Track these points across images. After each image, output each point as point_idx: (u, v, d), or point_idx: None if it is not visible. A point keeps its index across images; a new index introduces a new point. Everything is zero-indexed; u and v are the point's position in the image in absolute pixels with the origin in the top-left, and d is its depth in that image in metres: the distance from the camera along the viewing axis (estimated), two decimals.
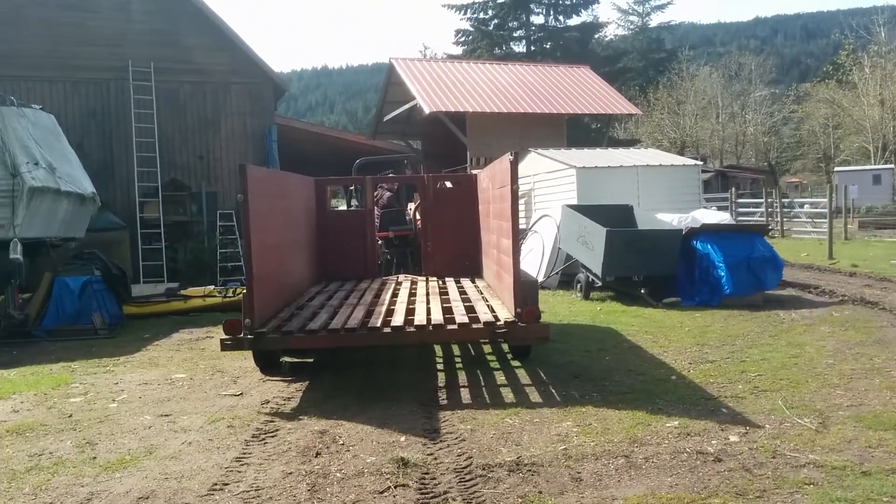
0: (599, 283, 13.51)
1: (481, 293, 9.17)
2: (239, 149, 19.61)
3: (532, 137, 24.11)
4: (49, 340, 11.36)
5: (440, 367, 8.80)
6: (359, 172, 14.79)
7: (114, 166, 18.45)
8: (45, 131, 13.04)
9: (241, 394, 7.69)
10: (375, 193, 13.19)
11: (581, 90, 28.36)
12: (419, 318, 7.58)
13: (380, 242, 13.14)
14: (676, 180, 16.66)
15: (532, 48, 51.68)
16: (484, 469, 5.26)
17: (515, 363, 8.63)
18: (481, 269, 10.77)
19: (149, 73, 18.40)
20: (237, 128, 19.73)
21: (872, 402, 6.65)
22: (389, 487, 4.98)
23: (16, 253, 11.39)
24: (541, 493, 4.83)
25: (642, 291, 13.02)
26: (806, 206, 32.47)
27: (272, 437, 6.17)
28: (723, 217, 15.37)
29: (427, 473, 5.22)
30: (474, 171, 16.89)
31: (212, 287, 14.91)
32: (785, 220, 30.00)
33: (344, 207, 19.11)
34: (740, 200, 32.67)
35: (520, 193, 12.77)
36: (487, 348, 9.51)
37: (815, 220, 29.08)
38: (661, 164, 16.89)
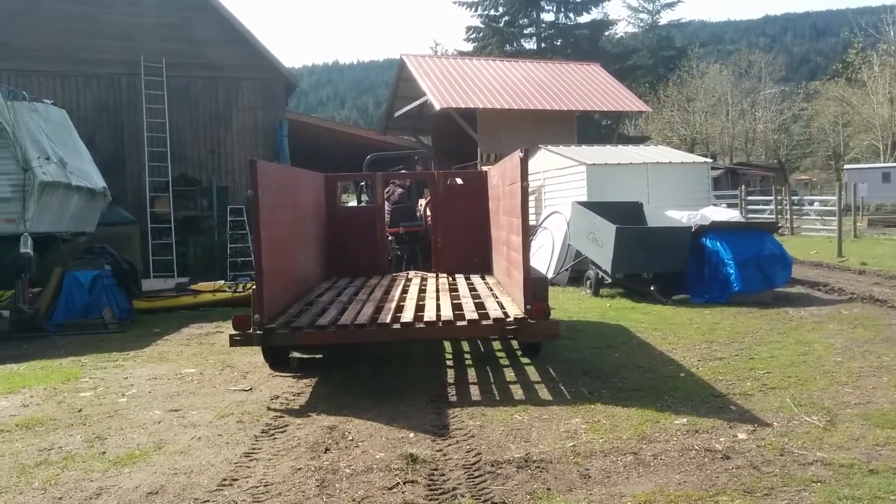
0: (609, 280, 13.50)
1: (491, 290, 9.16)
2: (250, 144, 19.66)
3: (542, 134, 24.07)
4: (59, 335, 11.41)
5: (449, 363, 8.82)
6: (370, 168, 14.80)
7: (125, 161, 18.51)
8: (57, 126, 13.09)
9: (251, 389, 7.72)
10: (387, 189, 13.20)
11: (591, 87, 28.30)
12: (429, 315, 7.57)
13: (390, 238, 13.14)
14: (686, 177, 16.64)
15: (542, 45, 51.65)
16: (493, 465, 5.27)
17: (525, 360, 8.63)
18: (491, 266, 10.76)
19: (160, 67, 18.44)
20: (248, 123, 19.77)
21: (880, 400, 6.63)
22: (398, 483, 5.00)
23: (26, 247, 11.44)
24: (549, 489, 4.84)
25: (652, 288, 13.00)
26: (815, 203, 32.30)
27: (281, 432, 6.19)
28: (732, 214, 15.32)
29: (436, 469, 5.23)
30: (484, 168, 16.89)
31: (222, 282, 14.95)
32: (794, 217, 29.87)
33: (353, 203, 19.14)
34: (750, 198, 32.54)
35: (530, 190, 12.76)
36: (497, 344, 9.52)
37: (824, 218, 28.95)
38: (671, 162, 16.86)
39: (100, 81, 18.50)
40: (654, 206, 14.58)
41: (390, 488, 4.93)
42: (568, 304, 12.74)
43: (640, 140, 45.94)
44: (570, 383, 7.51)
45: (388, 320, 7.46)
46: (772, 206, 30.85)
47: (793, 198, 31.72)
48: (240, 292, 13.57)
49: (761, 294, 12.47)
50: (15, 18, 17.68)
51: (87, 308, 11.94)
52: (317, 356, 9.19)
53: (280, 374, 8.34)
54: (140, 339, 10.92)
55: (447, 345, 9.61)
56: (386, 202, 13.01)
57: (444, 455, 5.53)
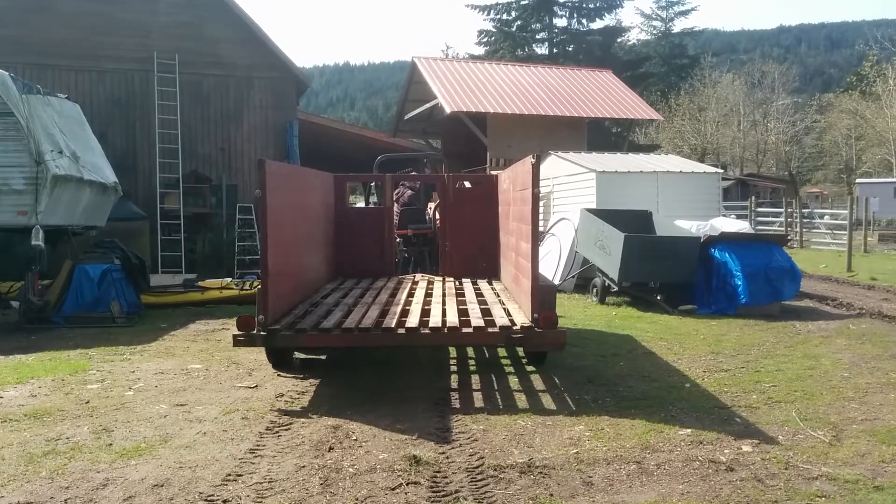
0: (616, 288, 13.49)
1: (498, 296, 9.13)
2: (260, 142, 19.73)
3: (552, 140, 24.10)
4: (67, 327, 11.47)
5: (454, 368, 8.81)
6: (379, 169, 14.80)
7: (136, 156, 18.62)
8: (70, 120, 13.16)
9: (256, 386, 7.75)
10: (397, 191, 13.18)
11: (602, 94, 28.30)
12: (434, 320, 7.51)
13: (398, 240, 13.13)
14: (696, 187, 16.61)
15: (554, 50, 51.70)
16: (495, 469, 5.27)
17: (530, 367, 8.62)
18: (499, 271, 10.74)
19: (173, 64, 18.54)
20: (259, 121, 19.84)
21: (887, 416, 6.62)
22: (401, 484, 5.01)
23: (38, 240, 11.50)
24: (552, 495, 4.85)
25: (658, 298, 12.99)
26: (826, 217, 32.24)
27: (286, 430, 6.22)
28: (742, 226, 15.29)
29: (439, 472, 5.24)
30: (494, 172, 16.90)
31: (229, 279, 14.98)
32: (804, 230, 29.83)
33: (362, 204, 19.16)
34: (760, 209, 32.54)
35: (540, 196, 12.77)
36: (502, 351, 9.51)
37: (834, 232, 28.89)
38: (681, 171, 16.85)
39: (113, 77, 18.60)
40: (663, 216, 14.57)
41: (393, 489, 4.95)
42: (573, 312, 12.73)
43: (651, 148, 46.03)
44: (574, 391, 7.50)
45: (392, 325, 7.39)
46: (782, 219, 30.82)
47: (803, 210, 31.66)
48: (246, 290, 13.57)
49: (769, 307, 12.44)
50: (31, 14, 17.80)
51: (96, 301, 12.00)
52: (320, 357, 9.21)
53: (285, 373, 8.36)
54: (147, 333, 10.97)
55: (451, 349, 9.61)
56: (395, 204, 13.00)
57: (447, 458, 5.54)
